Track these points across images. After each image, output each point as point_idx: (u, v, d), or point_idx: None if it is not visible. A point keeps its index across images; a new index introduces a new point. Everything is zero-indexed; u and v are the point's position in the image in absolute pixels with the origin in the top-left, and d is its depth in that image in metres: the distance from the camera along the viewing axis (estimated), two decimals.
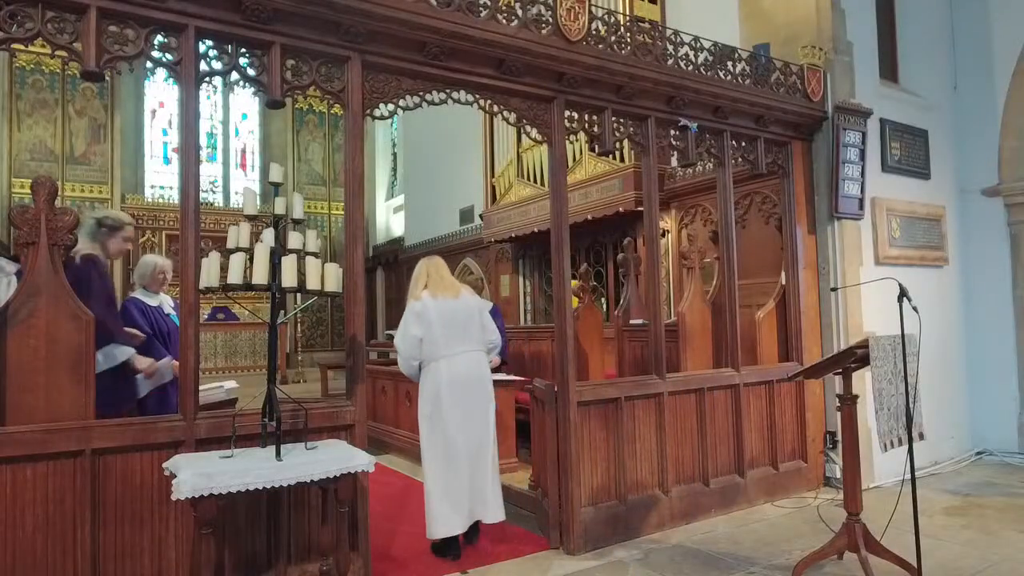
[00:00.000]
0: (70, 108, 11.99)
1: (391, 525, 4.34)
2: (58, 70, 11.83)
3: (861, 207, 5.23)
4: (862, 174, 5.21)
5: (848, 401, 3.42)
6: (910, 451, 3.06)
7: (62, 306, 2.77)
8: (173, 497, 2.47)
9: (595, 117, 4.20)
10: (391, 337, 4.52)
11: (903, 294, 3.11)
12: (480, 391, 3.89)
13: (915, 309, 3.06)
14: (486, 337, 4.00)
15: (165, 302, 4.33)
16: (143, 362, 3.60)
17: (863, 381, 4.03)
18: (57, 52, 2.83)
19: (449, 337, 3.82)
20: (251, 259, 2.75)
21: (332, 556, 2.99)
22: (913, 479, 3.05)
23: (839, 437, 4.01)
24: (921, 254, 5.76)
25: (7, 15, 2.69)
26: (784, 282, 5.11)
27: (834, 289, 4.92)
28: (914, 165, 5.84)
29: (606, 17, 4.15)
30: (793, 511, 4.55)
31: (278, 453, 2.74)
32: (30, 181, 2.87)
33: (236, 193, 13.97)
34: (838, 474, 4.90)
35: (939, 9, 6.38)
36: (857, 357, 3.36)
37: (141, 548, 2.84)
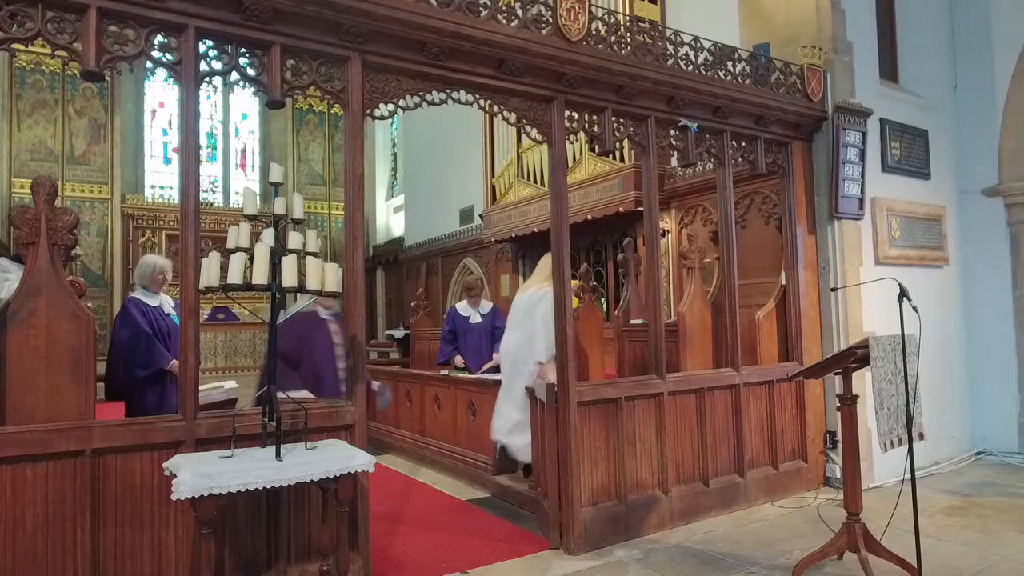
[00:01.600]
0: (70, 108, 11.99)
1: (391, 525, 4.35)
2: (58, 70, 11.82)
3: (861, 207, 5.23)
4: (862, 174, 5.21)
5: (848, 401, 3.42)
6: (910, 451, 3.06)
7: (62, 306, 2.77)
8: (173, 497, 2.47)
9: (595, 117, 4.20)
10: (391, 337, 5.14)
11: (903, 294, 3.11)
12: (506, 363, 4.97)
13: (915, 309, 3.06)
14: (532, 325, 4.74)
15: (165, 302, 4.34)
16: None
17: (863, 381, 4.03)
18: (57, 52, 2.83)
19: (509, 322, 5.10)
20: (251, 259, 2.75)
21: (332, 556, 2.99)
22: (913, 479, 3.05)
23: (839, 437, 4.01)
24: (921, 254, 5.76)
25: (7, 15, 2.69)
26: (784, 282, 5.11)
27: (834, 289, 4.92)
28: (914, 165, 5.84)
29: (606, 17, 4.15)
30: (793, 511, 4.55)
31: (278, 453, 2.74)
32: (30, 181, 2.87)
33: (236, 193, 13.97)
34: (838, 474, 4.90)
35: (939, 9, 6.37)
36: (857, 357, 3.36)
37: (141, 548, 2.84)
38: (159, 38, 2.98)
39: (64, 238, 2.79)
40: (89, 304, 3.10)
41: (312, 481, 2.71)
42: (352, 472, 2.81)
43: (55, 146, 11.83)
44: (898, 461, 3.48)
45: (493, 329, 6.46)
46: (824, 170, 5.17)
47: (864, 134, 5.24)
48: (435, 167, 12.09)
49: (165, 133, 13.50)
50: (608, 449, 4.09)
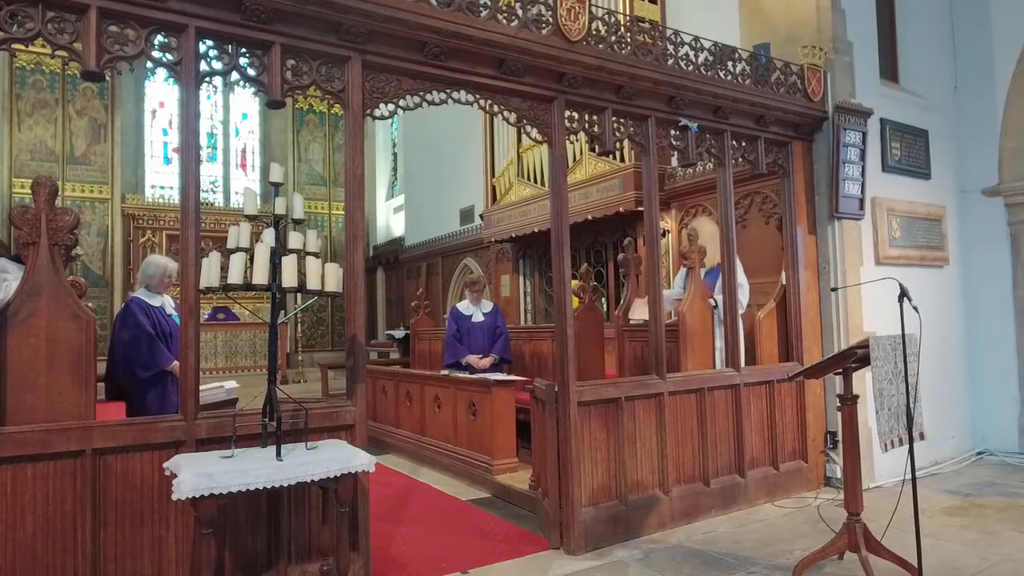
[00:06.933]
0: (70, 108, 11.99)
1: (391, 525, 4.35)
2: (58, 70, 11.83)
3: (861, 207, 5.23)
4: (862, 174, 5.21)
5: (848, 401, 3.42)
6: (910, 451, 3.06)
7: (62, 306, 2.77)
8: (173, 497, 2.47)
9: (595, 117, 4.20)
10: (391, 337, 4.80)
11: (903, 294, 3.11)
12: None
13: (915, 309, 3.06)
14: None
15: (167, 303, 4.34)
16: None
17: (863, 381, 4.03)
18: (57, 52, 2.83)
19: None
20: (251, 259, 2.75)
21: (332, 556, 2.99)
22: (913, 479, 3.05)
23: (839, 437, 4.02)
24: (921, 254, 5.75)
25: (7, 15, 2.69)
26: (784, 282, 5.11)
27: (834, 289, 4.92)
28: (914, 165, 5.84)
29: (606, 17, 4.15)
30: (793, 511, 4.54)
31: (278, 453, 2.74)
32: (30, 181, 2.87)
33: (236, 193, 13.97)
34: (838, 474, 4.90)
35: (939, 9, 6.37)
36: (857, 357, 3.36)
37: (141, 548, 2.84)
38: (159, 38, 2.98)
39: (64, 238, 2.79)
40: (89, 304, 3.10)
41: (312, 481, 2.71)
42: (352, 472, 2.81)
43: (55, 146, 11.83)
44: (898, 461, 3.48)
45: (495, 328, 6.46)
46: (824, 170, 5.16)
47: (864, 134, 5.24)
48: (435, 167, 12.09)
49: (165, 133, 13.50)
50: (608, 449, 4.09)
